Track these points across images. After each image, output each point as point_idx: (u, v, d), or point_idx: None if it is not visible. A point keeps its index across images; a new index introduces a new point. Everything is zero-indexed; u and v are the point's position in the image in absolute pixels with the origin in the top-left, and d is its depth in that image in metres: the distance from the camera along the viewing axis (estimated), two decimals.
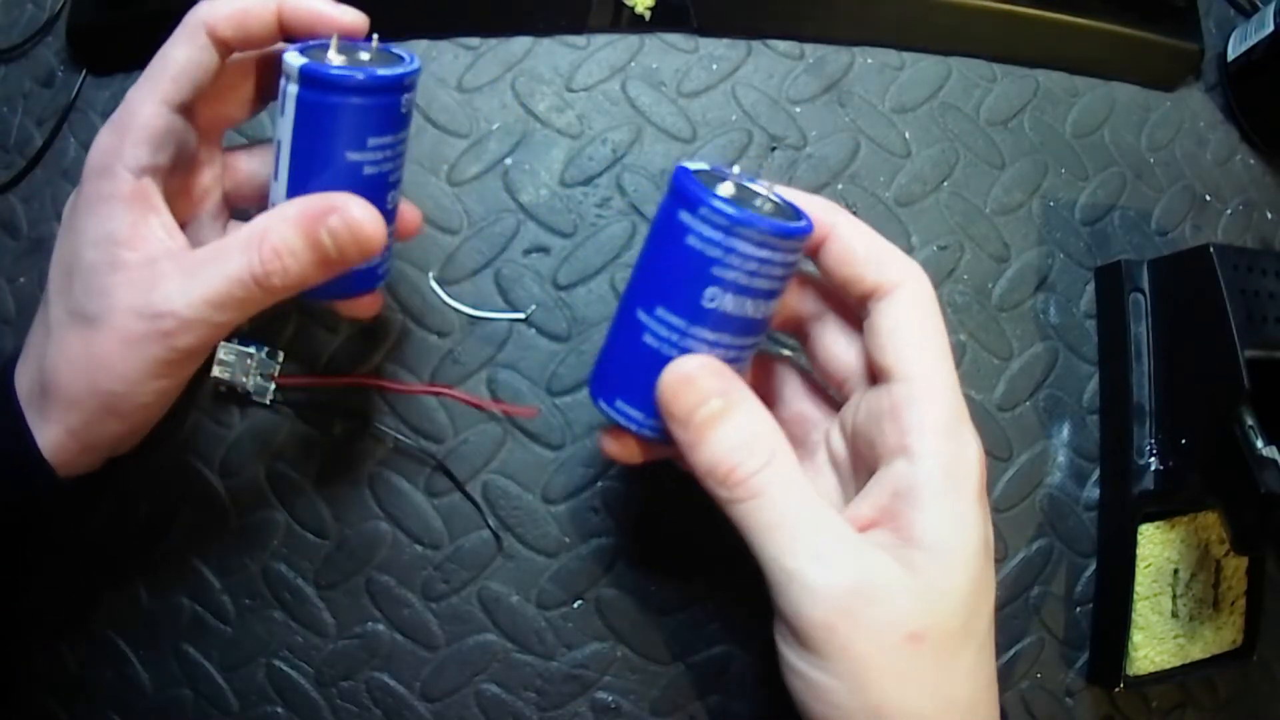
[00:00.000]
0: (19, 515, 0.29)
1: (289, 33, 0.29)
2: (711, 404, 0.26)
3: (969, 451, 0.26)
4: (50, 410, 0.28)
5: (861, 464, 0.28)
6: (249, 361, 0.37)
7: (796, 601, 0.25)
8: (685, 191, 0.25)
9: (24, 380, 0.28)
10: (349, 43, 0.29)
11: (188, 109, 0.28)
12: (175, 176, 0.29)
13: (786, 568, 0.25)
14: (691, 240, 0.25)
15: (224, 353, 0.37)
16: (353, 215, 0.27)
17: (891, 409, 0.26)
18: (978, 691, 0.26)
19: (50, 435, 0.28)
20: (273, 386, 0.38)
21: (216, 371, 0.37)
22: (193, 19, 0.28)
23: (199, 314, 0.26)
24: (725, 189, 0.26)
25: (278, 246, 0.26)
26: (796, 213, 0.27)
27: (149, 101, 0.27)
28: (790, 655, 0.25)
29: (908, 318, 0.27)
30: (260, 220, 0.27)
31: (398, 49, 0.30)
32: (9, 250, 0.41)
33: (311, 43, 0.29)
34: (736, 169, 0.27)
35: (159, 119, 0.27)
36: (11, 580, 0.34)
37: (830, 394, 0.32)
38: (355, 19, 0.29)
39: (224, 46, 0.28)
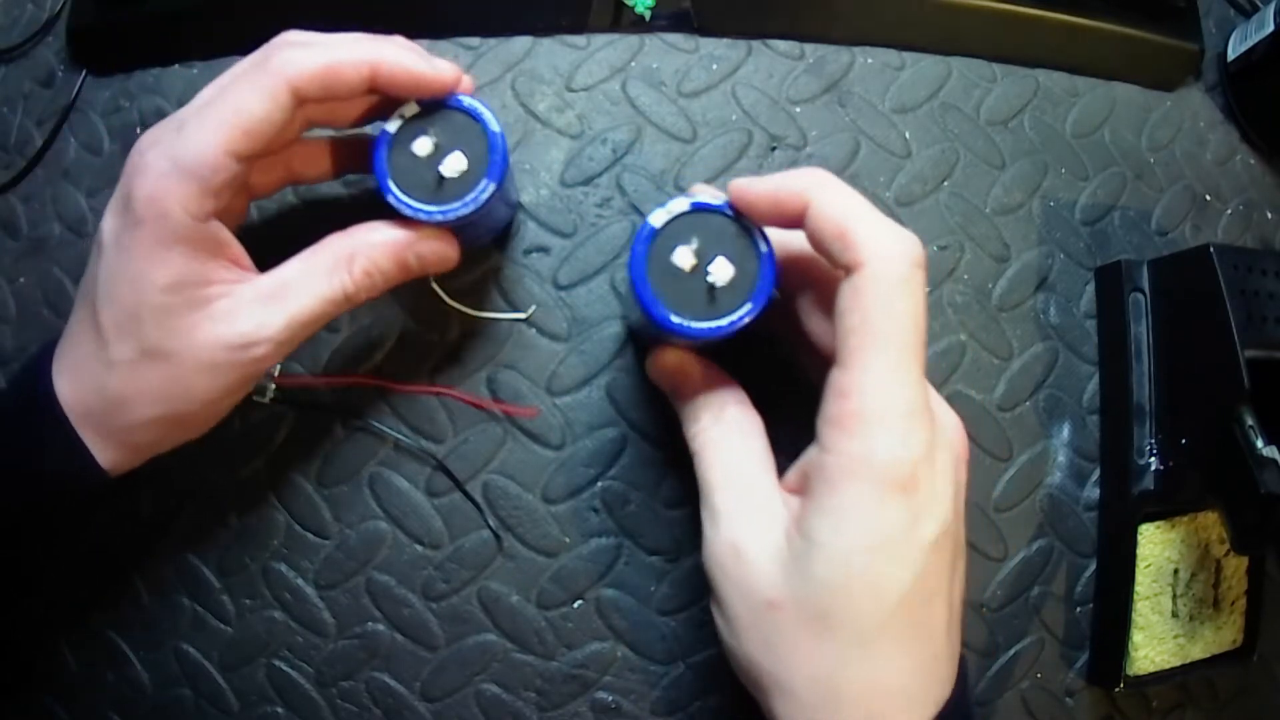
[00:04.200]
0: (68, 514, 0.30)
1: (380, 91, 0.29)
2: (678, 383, 0.32)
3: (879, 450, 0.25)
4: (116, 432, 0.28)
5: None
6: None
7: (701, 551, 0.28)
8: (634, 277, 0.29)
9: (73, 399, 0.28)
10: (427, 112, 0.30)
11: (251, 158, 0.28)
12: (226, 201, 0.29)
13: (702, 519, 0.29)
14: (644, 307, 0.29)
15: None
16: (436, 244, 0.31)
17: (825, 393, 0.26)
18: (852, 683, 0.25)
19: (109, 450, 0.28)
20: (273, 386, 0.37)
21: None
22: (275, 71, 0.27)
23: (288, 334, 0.28)
24: (681, 257, 0.29)
25: (370, 270, 0.29)
26: (759, 276, 0.29)
27: (218, 151, 0.26)
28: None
29: (853, 304, 0.26)
30: (340, 243, 0.29)
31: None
32: (9, 250, 0.41)
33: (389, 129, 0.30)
34: (695, 244, 0.29)
35: (227, 171, 0.27)
36: (26, 562, 0.34)
37: None
38: (450, 73, 0.29)
39: (301, 101, 0.27)
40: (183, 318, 0.27)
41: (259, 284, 0.28)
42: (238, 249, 0.29)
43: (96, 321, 0.28)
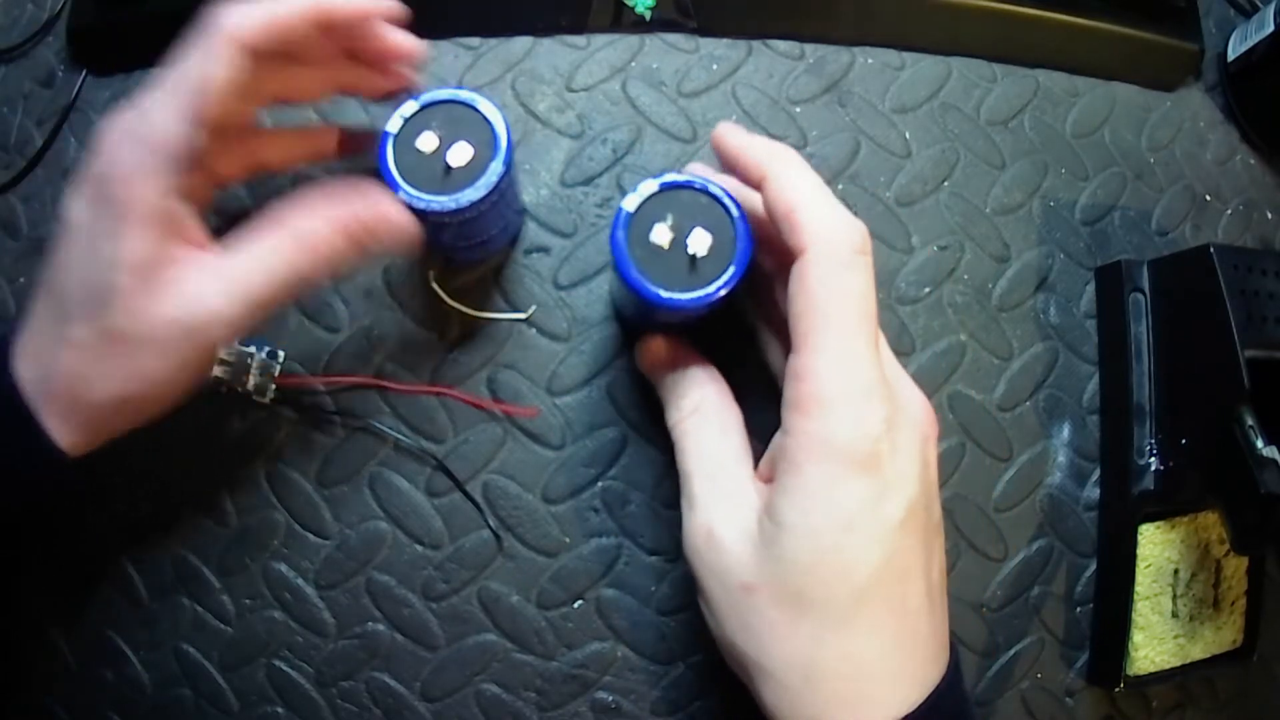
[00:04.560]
0: (31, 500, 0.30)
1: (331, 34, 0.29)
2: (659, 370, 0.33)
3: (837, 429, 0.25)
4: (76, 413, 0.28)
5: None
6: (249, 361, 0.37)
7: (682, 537, 0.29)
8: (617, 261, 0.30)
9: (32, 379, 0.28)
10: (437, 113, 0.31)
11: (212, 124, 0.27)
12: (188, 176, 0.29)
13: (681, 506, 0.30)
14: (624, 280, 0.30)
15: (225, 353, 0.37)
16: (382, 209, 0.29)
17: (785, 379, 0.27)
18: (830, 663, 0.25)
19: (69, 432, 0.28)
20: (273, 386, 0.38)
21: (217, 371, 0.37)
22: (221, 32, 0.26)
23: (247, 316, 0.28)
24: (659, 234, 0.30)
25: (325, 249, 0.28)
26: (736, 240, 0.30)
27: (179, 121, 0.26)
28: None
29: (800, 288, 0.26)
30: (297, 221, 0.29)
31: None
32: (9, 250, 0.41)
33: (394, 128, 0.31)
34: (670, 220, 0.30)
35: (190, 141, 0.27)
36: (20, 560, 0.35)
37: None
38: (396, 7, 0.29)
39: (255, 56, 0.27)
40: (144, 299, 0.27)
41: (215, 263, 0.28)
42: (199, 230, 0.29)
43: (59, 303, 0.28)
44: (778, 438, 0.27)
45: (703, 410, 0.31)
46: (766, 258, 0.31)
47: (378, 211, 0.29)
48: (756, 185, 0.28)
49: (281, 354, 0.38)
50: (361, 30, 0.30)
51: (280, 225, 0.28)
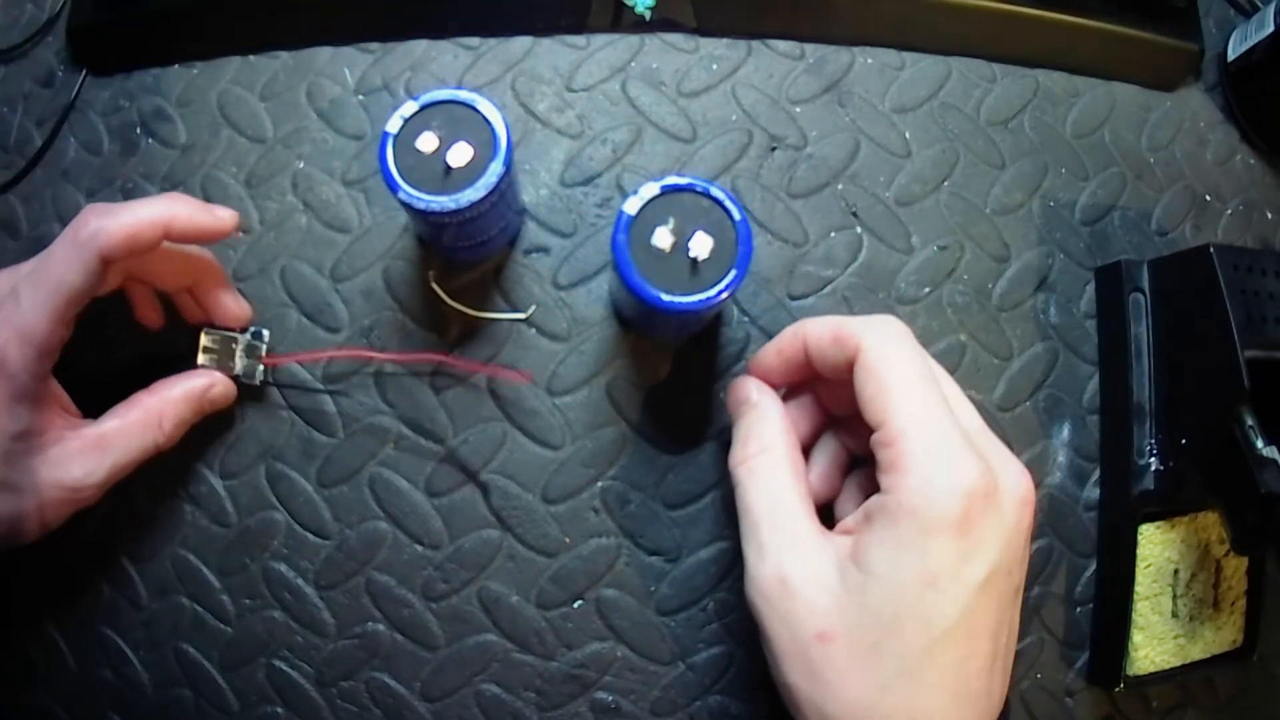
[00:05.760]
0: None
1: (173, 239, 0.33)
2: (741, 407, 0.33)
3: (937, 480, 0.27)
4: None
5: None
6: (234, 346, 0.37)
7: (744, 581, 0.29)
8: (619, 264, 0.30)
9: None
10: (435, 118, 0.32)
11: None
12: None
13: (744, 550, 0.30)
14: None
15: (208, 339, 0.37)
16: (220, 384, 0.37)
17: (876, 452, 0.29)
18: (888, 712, 0.26)
19: None
20: (261, 368, 0.38)
21: (202, 360, 0.37)
22: (86, 244, 0.31)
23: (111, 479, 0.34)
24: (660, 238, 0.30)
25: (177, 423, 0.35)
26: (737, 243, 0.31)
27: (49, 320, 0.31)
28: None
29: (866, 376, 0.29)
30: (149, 402, 0.35)
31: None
32: (9, 250, 0.41)
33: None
34: (671, 223, 0.31)
35: (57, 335, 0.31)
36: (16, 562, 0.37)
37: None
38: (228, 217, 0.34)
39: (110, 263, 0.31)
40: (26, 460, 0.32)
41: (85, 434, 0.33)
42: (66, 398, 0.34)
43: None
44: (875, 498, 0.28)
45: (772, 451, 0.31)
46: (824, 393, 0.34)
47: (207, 381, 0.36)
48: (803, 364, 0.32)
49: (266, 333, 0.38)
50: (208, 295, 0.36)
51: (137, 405, 0.35)
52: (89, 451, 0.33)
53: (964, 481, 0.26)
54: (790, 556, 0.28)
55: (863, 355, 0.29)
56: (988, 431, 0.30)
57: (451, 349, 0.39)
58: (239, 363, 0.37)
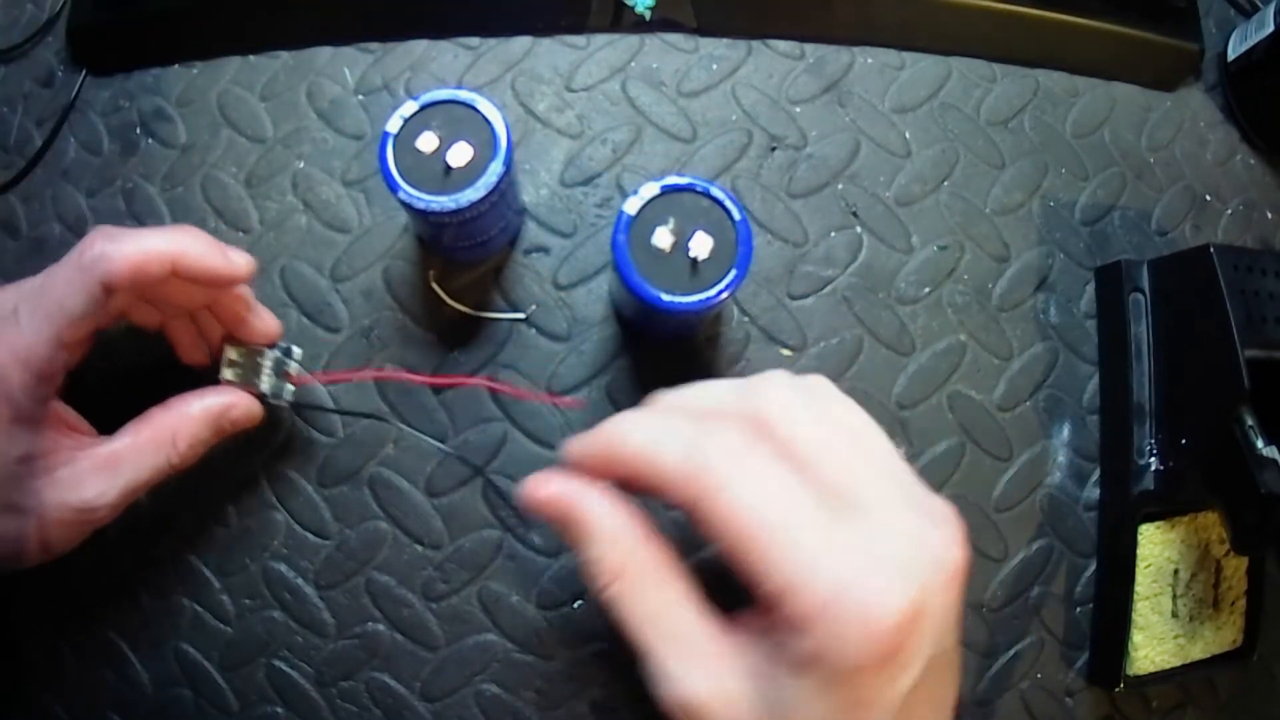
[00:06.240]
0: None
1: (180, 277, 0.31)
2: (569, 530, 0.27)
3: (846, 638, 0.23)
4: None
5: None
6: (260, 360, 0.34)
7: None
8: (619, 264, 0.30)
9: None
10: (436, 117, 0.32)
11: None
12: None
13: (647, 680, 0.25)
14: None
15: (233, 353, 0.34)
16: (242, 405, 0.34)
17: (757, 606, 0.25)
18: None
19: None
20: (289, 388, 0.35)
21: (226, 375, 0.34)
22: (89, 268, 0.29)
23: (124, 500, 0.32)
24: (660, 238, 0.30)
25: (192, 443, 0.33)
26: (737, 243, 0.30)
27: (48, 344, 0.29)
28: None
29: (719, 535, 0.24)
30: (163, 420, 0.33)
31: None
32: (9, 250, 0.41)
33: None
34: (671, 223, 0.30)
35: (58, 360, 0.30)
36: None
37: None
38: (243, 265, 0.32)
39: (113, 292, 0.30)
40: (32, 483, 0.30)
41: (96, 454, 0.31)
42: (74, 416, 0.33)
43: None
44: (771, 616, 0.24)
45: (628, 572, 0.26)
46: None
47: (227, 401, 0.34)
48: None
49: (298, 351, 0.35)
50: (228, 314, 0.34)
51: (150, 422, 0.33)
52: (99, 472, 0.31)
53: (881, 619, 0.22)
54: (694, 679, 0.25)
55: (699, 510, 0.24)
56: (910, 486, 0.26)
57: (452, 349, 0.39)
58: (266, 381, 0.34)
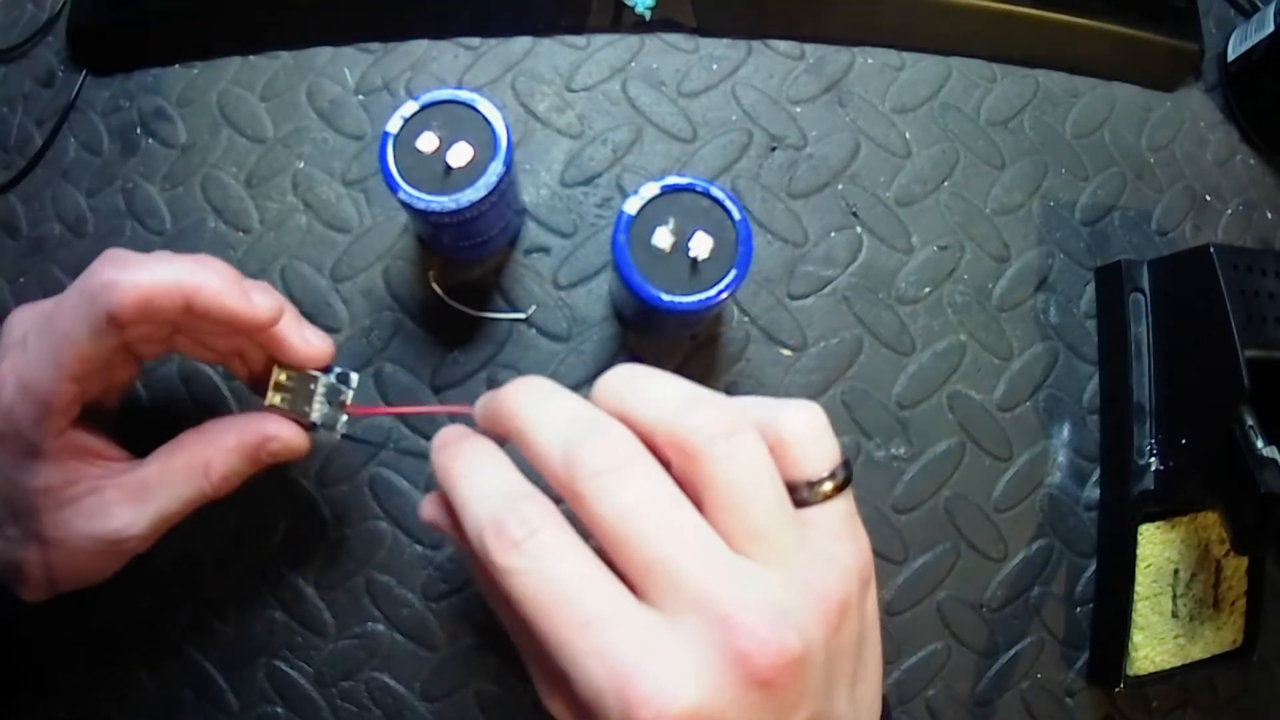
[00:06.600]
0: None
1: (194, 315, 0.28)
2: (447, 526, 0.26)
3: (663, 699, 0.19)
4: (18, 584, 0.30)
5: None
6: (313, 387, 0.31)
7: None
8: (620, 264, 0.30)
9: None
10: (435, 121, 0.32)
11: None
12: None
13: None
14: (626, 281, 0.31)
15: (281, 375, 0.31)
16: (284, 438, 0.31)
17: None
18: None
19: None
20: (343, 418, 0.32)
21: (273, 400, 0.31)
22: (96, 299, 0.27)
23: (155, 530, 0.30)
24: (661, 238, 0.30)
25: (226, 474, 0.30)
26: (737, 243, 0.30)
27: (54, 378, 0.27)
28: None
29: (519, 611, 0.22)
30: (197, 447, 0.30)
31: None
32: (9, 250, 0.41)
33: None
34: (671, 223, 0.30)
35: (66, 394, 0.28)
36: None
37: None
38: (266, 314, 0.29)
39: (122, 326, 0.27)
40: (57, 514, 0.29)
41: (125, 482, 0.30)
42: (100, 443, 0.30)
43: None
44: None
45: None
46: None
47: (268, 432, 0.31)
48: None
49: (355, 377, 0.32)
50: (265, 341, 0.30)
51: (182, 448, 0.30)
52: (126, 502, 0.29)
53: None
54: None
55: (498, 583, 0.22)
56: (786, 529, 0.22)
57: (451, 349, 0.39)
58: (317, 409, 0.31)
